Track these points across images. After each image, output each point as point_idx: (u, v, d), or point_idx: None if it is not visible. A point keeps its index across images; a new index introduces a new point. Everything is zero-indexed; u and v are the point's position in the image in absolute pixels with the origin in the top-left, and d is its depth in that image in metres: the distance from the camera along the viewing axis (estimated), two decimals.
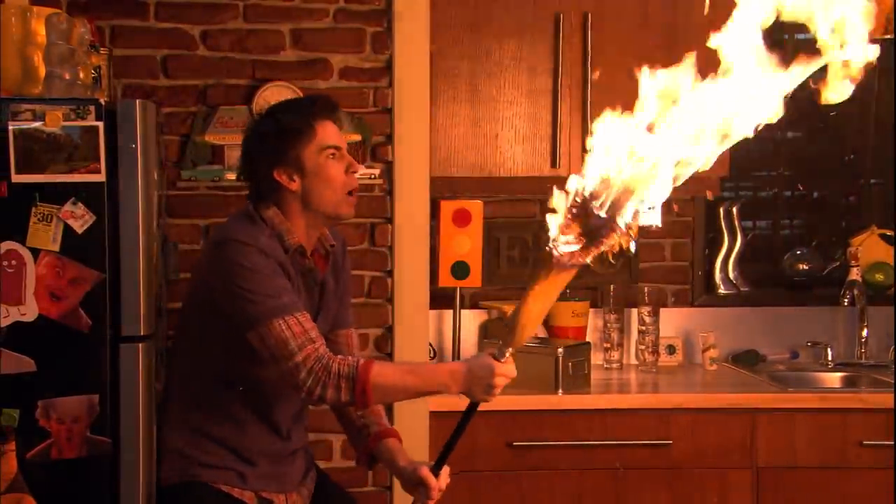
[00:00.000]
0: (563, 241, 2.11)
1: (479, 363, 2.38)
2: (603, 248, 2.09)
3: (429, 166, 3.42)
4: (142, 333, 2.70)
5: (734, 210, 4.16)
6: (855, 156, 4.42)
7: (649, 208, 2.03)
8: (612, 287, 3.92)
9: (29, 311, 2.62)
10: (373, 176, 3.38)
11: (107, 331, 2.67)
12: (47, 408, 2.63)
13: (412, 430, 3.05)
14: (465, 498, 3.36)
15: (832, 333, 4.08)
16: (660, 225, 2.05)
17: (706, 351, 3.94)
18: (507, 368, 2.37)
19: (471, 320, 3.93)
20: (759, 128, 1.97)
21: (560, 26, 3.60)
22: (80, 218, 2.64)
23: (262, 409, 2.58)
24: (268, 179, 2.52)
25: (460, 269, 3.67)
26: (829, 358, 4.00)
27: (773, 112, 1.95)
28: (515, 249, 4.00)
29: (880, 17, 4.00)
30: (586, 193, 2.07)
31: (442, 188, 3.62)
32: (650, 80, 2.01)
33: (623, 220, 2.04)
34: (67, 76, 2.70)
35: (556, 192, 2.11)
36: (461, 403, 2.46)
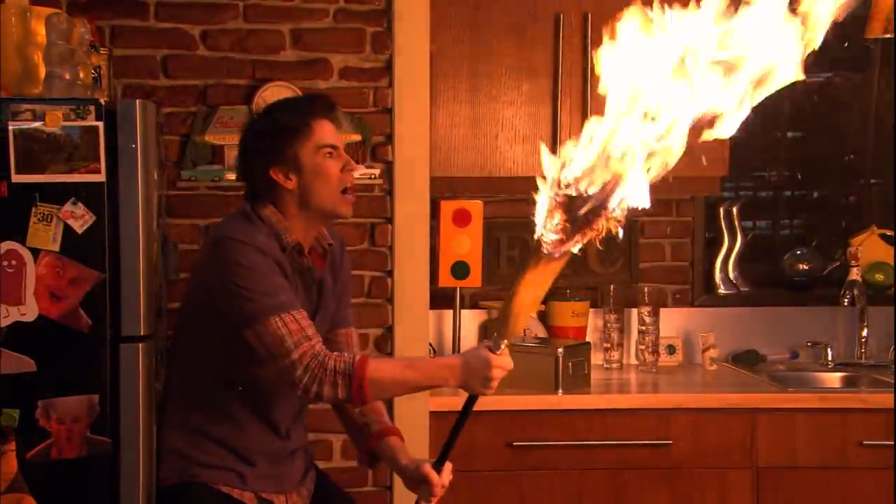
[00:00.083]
0: (550, 226, 2.09)
1: (476, 356, 2.37)
2: (591, 234, 2.07)
3: (429, 166, 3.42)
4: (142, 333, 2.70)
5: (734, 210, 4.16)
6: (855, 156, 4.42)
7: (634, 191, 2.00)
8: (612, 287, 3.92)
9: (29, 311, 2.62)
10: (373, 176, 3.38)
11: (107, 331, 2.67)
12: (47, 408, 2.63)
13: (412, 430, 3.05)
14: (465, 498, 3.36)
15: (832, 333, 4.08)
16: (648, 206, 2.01)
17: (706, 351, 3.94)
18: (503, 360, 2.35)
19: (471, 320, 3.93)
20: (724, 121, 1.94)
21: (560, 26, 3.60)
22: (80, 218, 2.64)
23: (261, 409, 2.58)
24: (264, 178, 2.52)
25: (460, 269, 3.67)
26: (829, 358, 4.00)
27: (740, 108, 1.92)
28: (515, 249, 4.00)
29: (880, 17, 4.01)
30: (570, 178, 2.05)
31: (442, 188, 3.62)
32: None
33: (608, 202, 2.02)
34: (67, 76, 2.69)
35: (538, 180, 2.09)
36: (461, 403, 2.46)
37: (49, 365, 2.63)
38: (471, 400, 2.42)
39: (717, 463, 3.47)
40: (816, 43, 1.83)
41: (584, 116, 3.58)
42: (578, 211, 2.03)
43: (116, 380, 2.68)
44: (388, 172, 3.40)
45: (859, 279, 4.01)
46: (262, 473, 2.59)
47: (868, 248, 4.12)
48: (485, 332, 3.94)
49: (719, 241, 4.18)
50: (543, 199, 2.08)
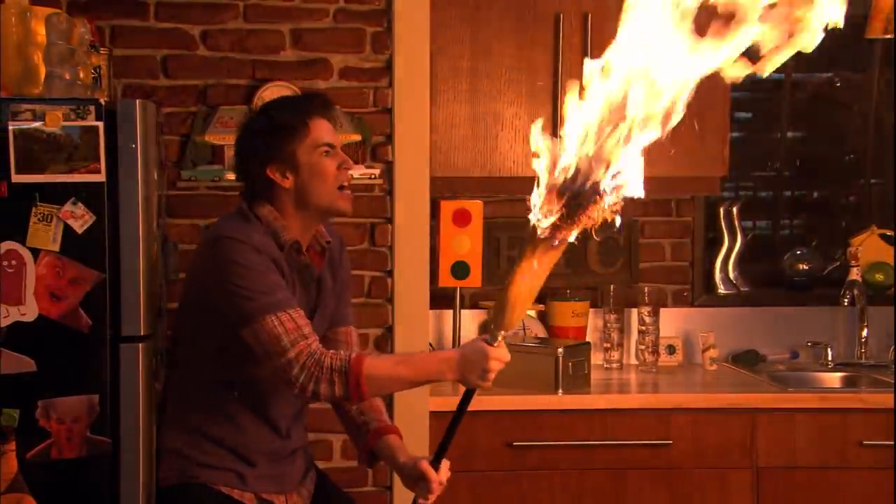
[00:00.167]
0: (544, 213, 2.09)
1: (472, 349, 2.36)
2: (586, 222, 2.07)
3: (429, 166, 3.42)
4: (142, 333, 2.70)
5: (734, 210, 4.16)
6: (855, 156, 4.42)
7: (623, 175, 1.99)
8: (612, 287, 3.92)
9: (29, 311, 2.62)
10: (373, 176, 3.38)
11: (107, 331, 2.67)
12: (47, 408, 2.63)
13: (412, 430, 3.05)
14: (465, 498, 3.36)
15: (832, 333, 4.08)
16: (642, 196, 2.01)
17: (706, 351, 3.94)
18: (500, 352, 2.34)
19: (471, 320, 3.93)
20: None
21: (560, 26, 3.60)
22: (80, 218, 2.64)
23: (261, 408, 2.57)
24: (261, 177, 2.51)
25: (460, 269, 3.67)
26: (829, 358, 4.00)
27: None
28: (515, 249, 4.00)
29: (880, 17, 4.01)
30: (564, 165, 2.05)
31: (442, 188, 3.62)
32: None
33: (602, 188, 2.02)
34: (67, 76, 2.70)
35: (533, 161, 2.09)
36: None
37: (49, 365, 2.63)
38: (468, 394, 2.41)
39: (717, 463, 3.47)
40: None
41: None
42: (572, 193, 2.03)
43: (116, 380, 2.68)
44: (388, 172, 3.40)
45: (859, 279, 4.01)
46: (262, 474, 2.59)
47: (868, 248, 4.12)
48: (484, 331, 3.93)
49: (719, 241, 4.18)
50: (538, 183, 2.08)
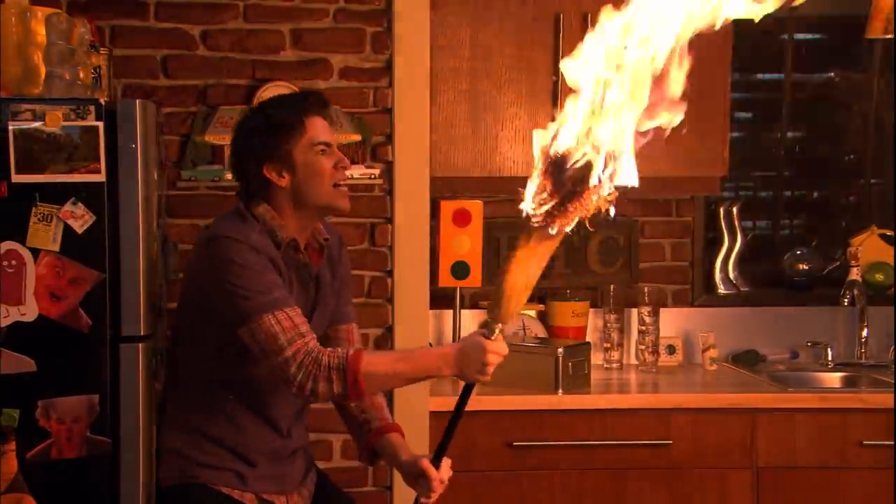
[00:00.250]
0: (538, 202, 2.09)
1: (470, 343, 2.35)
2: (581, 211, 2.06)
3: (429, 166, 3.42)
4: (142, 333, 2.70)
5: (734, 210, 4.16)
6: (855, 156, 4.42)
7: (622, 164, 1.99)
8: (612, 287, 3.92)
9: (29, 311, 2.62)
10: (373, 176, 3.38)
11: (107, 331, 2.67)
12: (47, 408, 2.63)
13: (412, 430, 3.04)
14: (465, 498, 3.36)
15: (832, 333, 4.08)
16: (636, 185, 2.00)
17: (706, 351, 3.94)
18: (497, 346, 2.33)
19: (471, 320, 3.93)
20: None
21: (560, 26, 3.60)
22: (80, 218, 2.64)
23: (260, 408, 2.57)
24: (258, 176, 2.51)
25: (460, 269, 3.67)
26: (829, 358, 4.00)
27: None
28: None
29: (880, 17, 4.01)
30: (557, 152, 2.05)
31: (442, 188, 3.62)
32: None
33: (595, 177, 2.01)
34: (67, 76, 2.70)
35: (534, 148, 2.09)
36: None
37: (49, 365, 2.64)
38: (467, 389, 2.41)
39: (717, 463, 3.47)
40: None
41: None
42: (565, 181, 2.03)
43: (116, 380, 2.68)
44: (388, 172, 3.40)
45: (859, 279, 4.01)
46: (262, 474, 2.59)
47: (868, 248, 4.12)
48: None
49: (719, 241, 4.18)
50: (533, 171, 2.08)
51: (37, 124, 2.61)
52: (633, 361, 3.96)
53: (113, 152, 2.65)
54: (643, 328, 3.89)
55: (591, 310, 3.96)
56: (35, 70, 2.75)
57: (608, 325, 3.93)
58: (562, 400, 3.47)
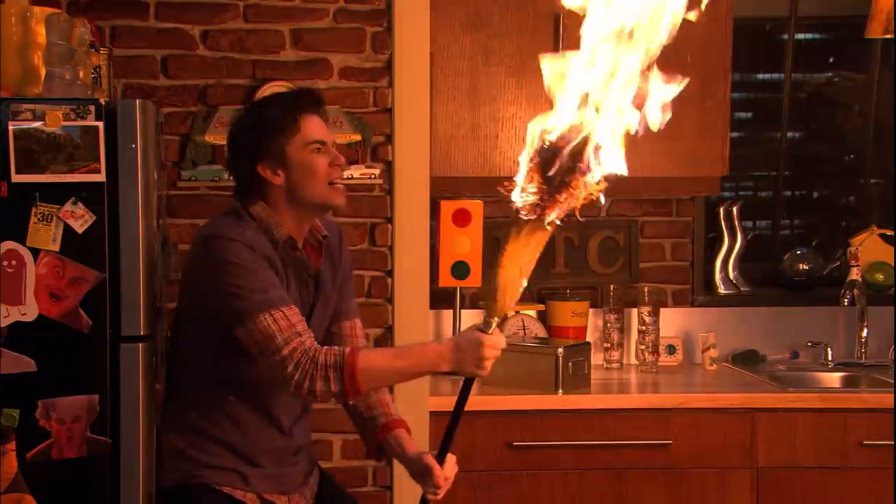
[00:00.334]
0: (527, 192, 2.09)
1: (467, 338, 2.36)
2: (570, 201, 2.06)
3: (429, 166, 3.42)
4: (142, 333, 2.70)
5: (734, 210, 4.16)
6: (855, 156, 4.42)
7: (609, 153, 2.00)
8: (612, 287, 3.92)
9: (29, 311, 2.62)
10: (373, 176, 3.39)
11: (107, 331, 2.67)
12: (47, 408, 2.63)
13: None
14: (465, 498, 3.36)
15: (832, 333, 4.08)
16: (626, 174, 2.00)
17: (706, 351, 3.94)
18: (494, 339, 2.33)
19: (471, 320, 3.91)
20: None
21: (560, 26, 3.60)
22: (80, 218, 2.64)
23: (261, 406, 2.56)
24: (252, 174, 2.50)
25: (460, 269, 3.67)
26: (829, 358, 4.00)
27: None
28: None
29: (880, 17, 4.01)
30: (544, 142, 2.05)
31: (442, 188, 3.62)
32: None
33: (583, 165, 2.02)
34: (67, 76, 2.69)
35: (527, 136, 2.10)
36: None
37: (49, 365, 2.63)
38: (467, 384, 2.41)
39: (717, 463, 3.47)
40: None
41: None
42: (553, 170, 2.03)
43: (116, 380, 2.68)
44: (388, 172, 3.40)
45: (859, 279, 4.02)
46: (264, 474, 2.58)
47: (868, 248, 4.12)
48: None
49: (719, 241, 4.18)
50: (521, 162, 2.09)
51: (37, 124, 2.61)
52: (633, 361, 3.96)
53: (113, 152, 2.65)
54: (643, 328, 3.89)
55: (591, 310, 3.96)
56: (35, 70, 2.74)
57: (608, 325, 3.93)
58: (562, 400, 3.47)
